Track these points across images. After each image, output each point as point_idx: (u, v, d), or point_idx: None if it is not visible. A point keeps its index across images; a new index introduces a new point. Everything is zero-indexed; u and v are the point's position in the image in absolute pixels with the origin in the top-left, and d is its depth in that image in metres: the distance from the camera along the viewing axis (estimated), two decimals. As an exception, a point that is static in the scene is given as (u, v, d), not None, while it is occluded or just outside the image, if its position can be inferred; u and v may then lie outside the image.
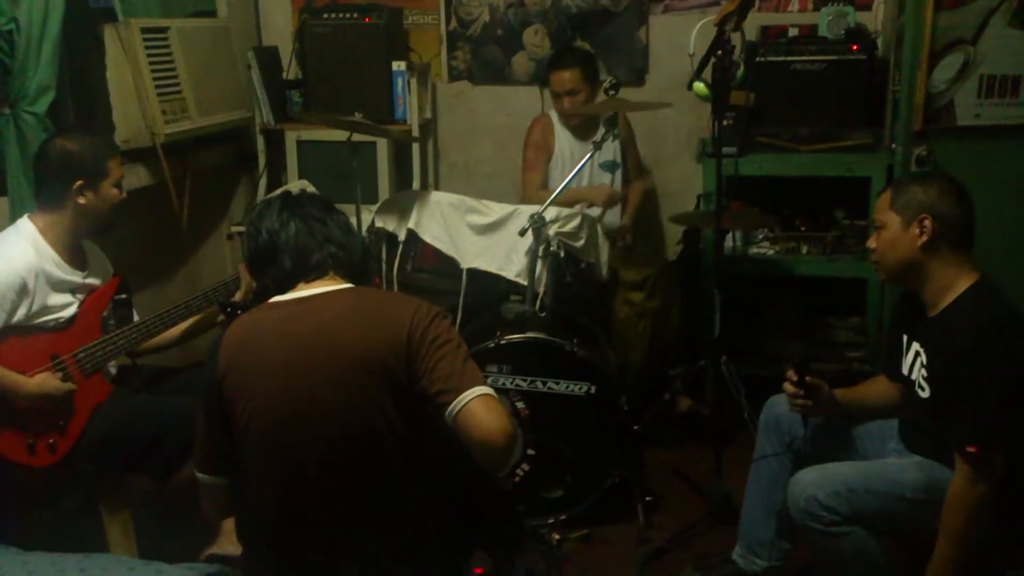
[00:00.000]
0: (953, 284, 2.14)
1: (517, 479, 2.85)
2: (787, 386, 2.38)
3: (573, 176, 3.00)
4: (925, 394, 2.19)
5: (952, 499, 2.05)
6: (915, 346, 2.25)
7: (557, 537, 2.83)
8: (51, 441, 2.38)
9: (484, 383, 1.78)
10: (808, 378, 2.34)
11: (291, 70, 4.16)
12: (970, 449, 2.02)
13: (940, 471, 2.11)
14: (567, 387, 2.81)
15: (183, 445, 2.39)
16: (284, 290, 1.88)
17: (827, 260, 3.62)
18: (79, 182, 2.43)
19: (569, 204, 3.28)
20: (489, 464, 1.79)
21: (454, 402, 1.73)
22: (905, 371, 2.29)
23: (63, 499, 2.51)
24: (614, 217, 3.62)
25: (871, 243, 2.28)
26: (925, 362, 2.20)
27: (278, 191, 3.58)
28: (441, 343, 1.77)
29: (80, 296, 2.53)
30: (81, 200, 2.45)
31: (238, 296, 2.67)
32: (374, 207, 3.23)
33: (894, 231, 2.19)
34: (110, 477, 2.54)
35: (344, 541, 1.82)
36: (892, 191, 2.23)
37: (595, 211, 3.42)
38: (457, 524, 1.93)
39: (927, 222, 2.14)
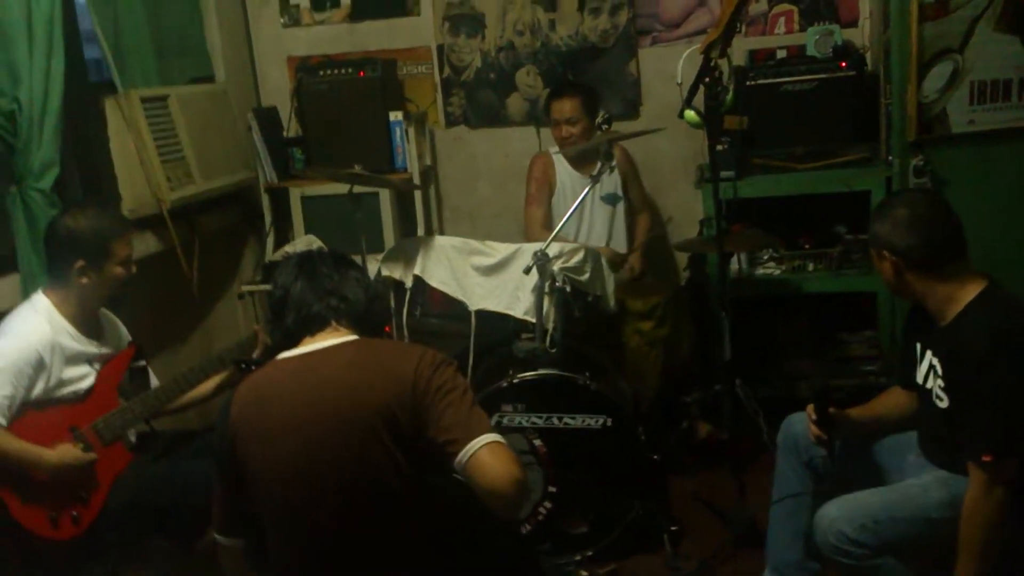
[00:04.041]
0: (954, 296, 2.14)
1: (540, 517, 2.84)
2: (809, 424, 2.38)
3: (574, 210, 3.03)
4: (943, 404, 2.17)
5: (969, 509, 2.04)
6: (928, 355, 2.25)
7: (585, 574, 2.81)
8: (74, 513, 2.39)
9: (491, 430, 1.78)
10: (831, 409, 2.34)
11: (291, 128, 4.23)
12: (985, 458, 2.01)
13: (962, 486, 2.09)
14: (583, 421, 2.81)
15: (204, 508, 2.40)
16: (291, 345, 1.91)
17: (834, 276, 3.62)
18: (80, 263, 2.45)
19: None
20: (501, 511, 1.79)
21: (462, 452, 1.74)
22: (920, 380, 2.28)
23: (88, 571, 2.51)
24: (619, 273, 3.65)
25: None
26: (940, 372, 2.19)
27: (288, 247, 3.67)
28: (446, 391, 1.78)
29: (97, 366, 2.56)
30: (84, 280, 2.47)
31: (256, 354, 2.70)
32: (380, 256, 3.26)
33: (875, 262, 2.27)
34: (134, 545, 2.54)
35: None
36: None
37: None
38: (475, 568, 1.93)
39: (886, 254, 2.18)
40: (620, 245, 3.74)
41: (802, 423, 2.44)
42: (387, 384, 1.78)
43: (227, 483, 1.86)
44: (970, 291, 2.13)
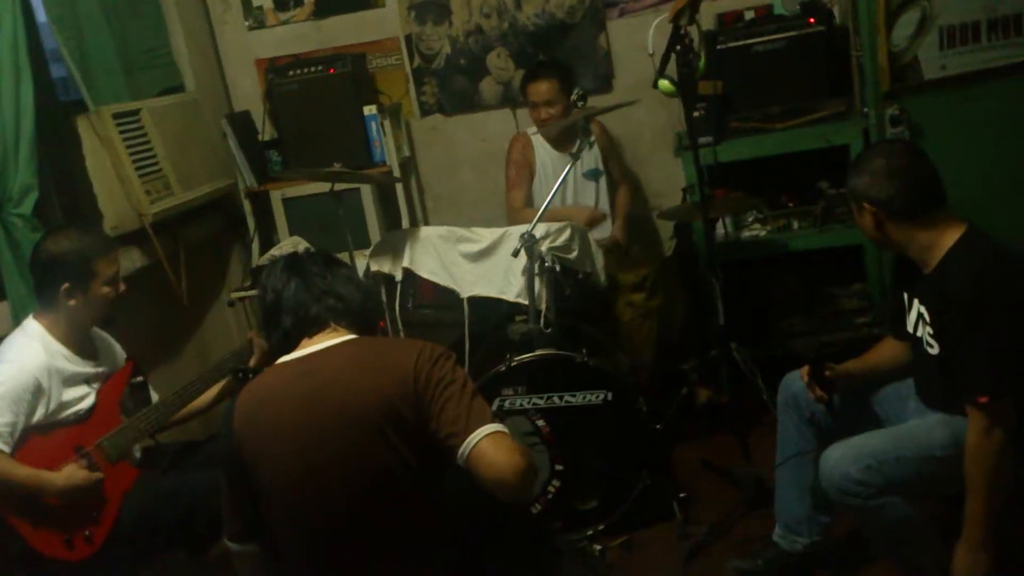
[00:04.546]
0: (935, 243, 2.15)
1: (549, 496, 2.86)
2: (806, 384, 2.41)
3: (557, 189, 3.03)
4: (934, 351, 2.19)
5: (971, 451, 2.06)
6: (916, 304, 2.27)
7: (599, 548, 2.83)
8: (87, 533, 2.39)
9: (492, 420, 1.79)
10: (827, 372, 2.36)
11: (266, 131, 4.21)
12: (981, 400, 2.03)
13: (964, 424, 2.11)
14: (584, 398, 2.82)
15: (216, 517, 2.41)
16: (289, 349, 1.91)
17: (819, 232, 3.64)
18: (66, 285, 2.44)
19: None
20: (507, 499, 1.80)
21: (463, 444, 1.75)
22: (910, 329, 2.30)
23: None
24: (603, 233, 3.65)
25: None
26: (928, 320, 2.21)
27: (275, 250, 3.66)
28: (446, 384, 1.79)
29: (95, 385, 2.55)
30: (71, 302, 2.46)
31: (252, 361, 2.70)
32: (367, 252, 3.26)
33: (855, 215, 2.28)
34: (149, 559, 2.55)
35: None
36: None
37: None
38: (490, 553, 1.95)
39: (866, 206, 2.19)
40: (604, 229, 3.73)
41: (800, 381, 2.46)
42: (389, 381, 1.79)
43: (236, 490, 1.86)
44: (951, 237, 2.14)
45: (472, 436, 1.75)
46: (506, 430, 1.79)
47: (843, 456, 2.17)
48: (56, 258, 2.45)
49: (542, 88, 3.57)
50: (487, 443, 1.75)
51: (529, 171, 3.74)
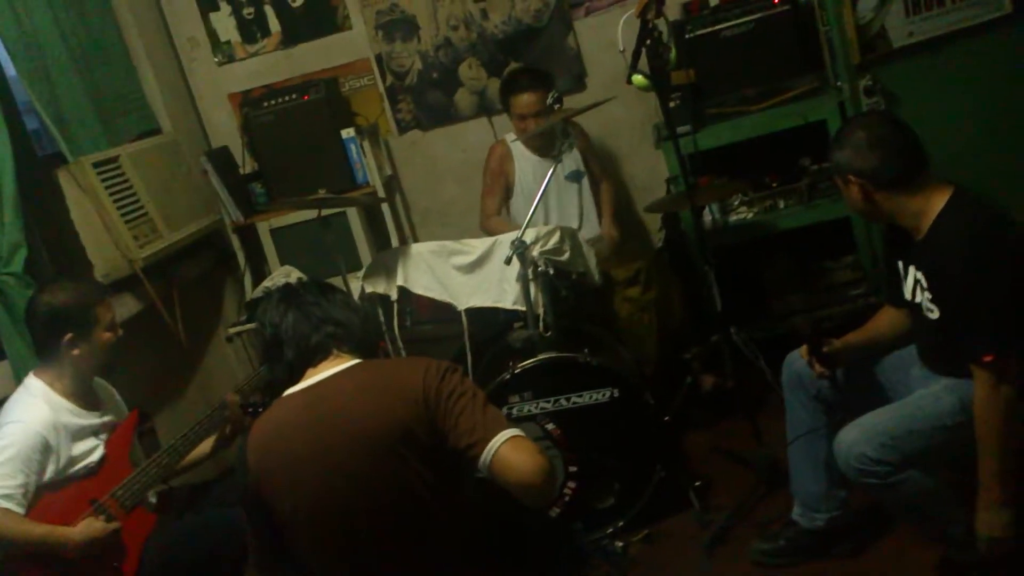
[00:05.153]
0: (924, 208, 2.17)
1: (566, 498, 2.87)
2: (806, 362, 2.42)
3: (541, 194, 3.04)
4: (934, 316, 2.20)
5: (980, 411, 2.07)
6: (912, 270, 2.28)
7: (620, 544, 2.84)
8: (110, 584, 2.39)
9: (508, 425, 1.80)
10: (825, 349, 2.38)
11: (247, 164, 4.22)
12: (987, 358, 2.04)
13: (970, 388, 2.12)
14: (591, 397, 2.83)
15: (238, 554, 2.41)
16: (295, 380, 1.91)
17: (806, 208, 3.65)
18: (69, 335, 2.45)
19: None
20: (533, 502, 1.81)
21: (484, 453, 1.76)
22: (908, 296, 2.31)
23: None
24: (591, 232, 3.65)
25: None
26: (925, 285, 2.22)
27: (267, 282, 3.66)
28: (457, 397, 1.80)
29: (103, 436, 2.55)
30: (75, 352, 2.47)
31: (229, 413, 2.67)
32: (360, 274, 3.27)
33: (842, 190, 2.28)
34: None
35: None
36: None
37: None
38: (516, 561, 1.95)
39: (852, 179, 2.20)
40: (592, 219, 3.75)
41: (802, 359, 2.47)
42: (399, 402, 1.79)
43: (258, 527, 1.87)
44: (939, 201, 2.16)
45: (492, 443, 1.76)
46: (523, 434, 1.80)
47: (857, 438, 2.17)
48: (56, 310, 2.45)
49: (529, 100, 3.50)
50: (507, 448, 1.76)
51: (505, 180, 3.74)
